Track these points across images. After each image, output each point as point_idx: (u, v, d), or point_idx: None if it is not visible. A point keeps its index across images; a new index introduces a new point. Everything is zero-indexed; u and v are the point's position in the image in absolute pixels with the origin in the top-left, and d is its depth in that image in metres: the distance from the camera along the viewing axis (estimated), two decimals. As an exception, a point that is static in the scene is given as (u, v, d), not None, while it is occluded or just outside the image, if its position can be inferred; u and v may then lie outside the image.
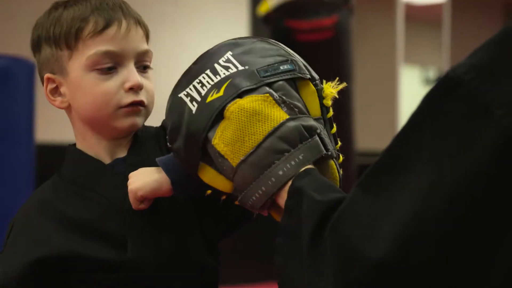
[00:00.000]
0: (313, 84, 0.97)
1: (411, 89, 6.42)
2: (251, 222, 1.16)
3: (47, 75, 1.09)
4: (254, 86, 0.93)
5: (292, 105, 0.92)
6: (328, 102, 0.97)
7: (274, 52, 0.97)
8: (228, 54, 0.96)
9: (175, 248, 1.09)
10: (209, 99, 0.94)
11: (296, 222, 0.82)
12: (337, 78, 0.99)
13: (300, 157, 0.89)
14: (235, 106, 0.92)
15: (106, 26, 1.06)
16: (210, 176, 0.97)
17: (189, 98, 0.96)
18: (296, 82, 0.96)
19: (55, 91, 1.10)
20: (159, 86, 1.13)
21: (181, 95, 0.97)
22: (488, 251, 0.64)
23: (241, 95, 0.93)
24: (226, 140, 0.92)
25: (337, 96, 0.98)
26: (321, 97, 0.97)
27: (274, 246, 0.86)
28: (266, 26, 3.78)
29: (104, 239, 1.06)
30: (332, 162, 0.94)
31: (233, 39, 1.00)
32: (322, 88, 0.98)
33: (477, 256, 0.64)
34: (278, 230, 0.86)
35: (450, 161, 0.66)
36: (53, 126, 3.38)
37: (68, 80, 1.08)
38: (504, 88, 0.65)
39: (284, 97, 0.93)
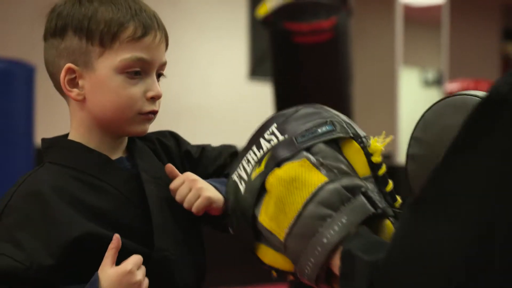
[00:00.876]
0: (358, 142, 0.93)
1: (410, 90, 6.43)
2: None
3: (68, 65, 1.08)
4: (292, 154, 0.90)
5: (330, 167, 0.88)
6: (378, 159, 0.93)
7: (315, 116, 0.94)
8: (273, 127, 0.94)
9: (185, 244, 1.12)
10: (253, 175, 0.92)
11: (351, 286, 0.79)
12: (384, 132, 0.95)
13: (343, 220, 0.84)
14: (274, 178, 0.89)
15: (144, 34, 1.08)
16: (270, 256, 0.93)
17: (239, 178, 0.95)
18: (338, 142, 0.92)
19: (72, 82, 1.10)
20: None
21: (234, 176, 0.96)
22: None
23: (279, 164, 0.90)
24: (270, 214, 0.89)
25: (384, 150, 0.94)
26: (368, 154, 0.93)
27: None
28: (264, 28, 3.78)
29: (124, 229, 1.05)
30: (387, 221, 0.89)
31: (282, 111, 0.98)
32: (369, 145, 0.93)
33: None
34: None
35: (503, 182, 0.64)
36: (52, 128, 3.38)
37: (93, 76, 1.08)
38: None
39: (321, 160, 0.89)
